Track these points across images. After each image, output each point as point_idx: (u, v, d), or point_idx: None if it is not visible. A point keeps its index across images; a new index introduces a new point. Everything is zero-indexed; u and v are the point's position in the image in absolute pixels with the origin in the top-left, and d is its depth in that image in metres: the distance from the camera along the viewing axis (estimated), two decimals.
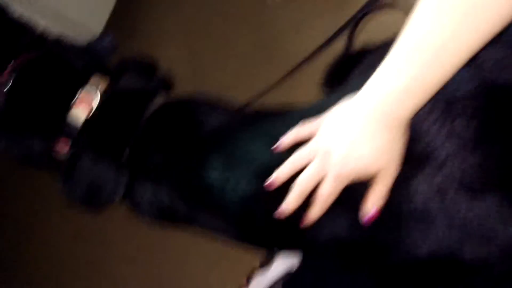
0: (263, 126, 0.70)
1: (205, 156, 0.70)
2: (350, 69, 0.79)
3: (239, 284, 1.01)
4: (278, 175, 0.60)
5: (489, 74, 0.56)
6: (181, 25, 1.67)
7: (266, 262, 0.98)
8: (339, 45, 0.94)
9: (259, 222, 0.69)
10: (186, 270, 1.29)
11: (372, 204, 0.56)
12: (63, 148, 0.77)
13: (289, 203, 0.59)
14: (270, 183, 0.60)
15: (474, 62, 0.58)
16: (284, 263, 0.95)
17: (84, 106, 0.77)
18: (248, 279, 0.99)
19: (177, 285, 1.29)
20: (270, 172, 0.63)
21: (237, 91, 1.05)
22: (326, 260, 0.77)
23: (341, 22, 0.95)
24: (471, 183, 0.54)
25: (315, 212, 0.58)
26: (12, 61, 0.77)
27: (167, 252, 1.34)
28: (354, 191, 0.59)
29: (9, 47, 0.79)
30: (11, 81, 0.75)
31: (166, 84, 0.91)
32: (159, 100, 0.82)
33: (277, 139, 0.65)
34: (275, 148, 0.62)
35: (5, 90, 0.76)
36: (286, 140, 0.62)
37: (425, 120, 0.57)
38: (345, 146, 0.54)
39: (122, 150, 0.77)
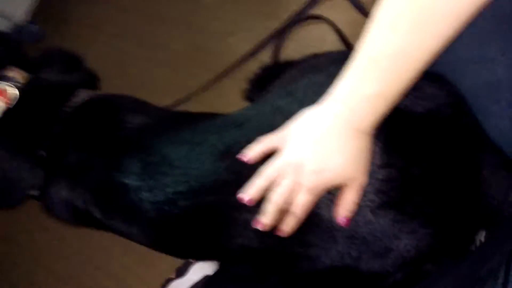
0: (185, 134, 0.71)
1: (121, 159, 0.70)
2: (271, 80, 0.81)
3: None
4: (255, 190, 0.58)
5: None
6: (111, 22, 1.64)
7: (181, 270, 0.99)
8: (264, 54, 0.97)
9: (176, 229, 0.69)
10: (103, 275, 1.27)
11: (345, 211, 0.57)
12: None
13: (268, 218, 0.58)
14: (248, 199, 0.59)
15: None
16: (200, 270, 0.96)
17: (0, 99, 0.74)
18: (165, 286, 0.99)
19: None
20: (199, 180, 0.64)
21: (166, 93, 1.05)
22: (240, 267, 0.79)
23: (275, 26, 0.97)
24: (371, 201, 0.58)
25: (291, 223, 0.58)
26: None
27: (84, 255, 1.32)
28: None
29: None
30: None
31: (91, 80, 0.90)
32: (82, 96, 0.80)
33: (200, 146, 0.66)
34: (245, 161, 0.61)
35: None
36: (254, 152, 0.61)
37: None
38: (318, 158, 0.54)
39: (38, 147, 0.75)
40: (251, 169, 0.61)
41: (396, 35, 0.49)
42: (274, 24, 0.99)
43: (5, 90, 0.74)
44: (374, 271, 0.61)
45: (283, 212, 0.58)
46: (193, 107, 0.90)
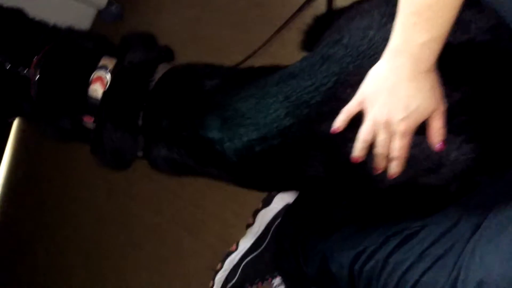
0: (251, 89, 0.80)
1: (204, 118, 0.81)
2: (324, 30, 0.85)
3: (246, 222, 1.17)
4: (359, 153, 0.68)
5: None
6: None
7: (267, 201, 1.13)
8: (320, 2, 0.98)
9: (255, 168, 0.81)
10: (203, 213, 1.42)
11: (437, 138, 0.64)
12: (88, 121, 0.89)
13: (378, 167, 0.68)
14: (355, 159, 0.68)
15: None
16: (282, 200, 1.10)
17: (99, 83, 0.87)
18: (254, 216, 1.15)
19: (197, 225, 1.44)
20: (266, 127, 0.75)
21: (235, 51, 1.11)
22: (315, 195, 0.92)
23: None
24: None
25: (397, 167, 0.67)
26: (35, 56, 0.88)
27: (185, 199, 1.48)
28: (331, 138, 0.71)
29: (31, 44, 0.90)
30: (38, 73, 0.87)
31: (167, 54, 0.99)
32: (162, 69, 0.90)
33: (264, 99, 0.76)
34: (335, 130, 0.68)
35: (35, 79, 0.87)
36: (340, 121, 0.68)
37: None
38: (400, 107, 0.62)
39: (135, 118, 0.87)
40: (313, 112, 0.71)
41: None
42: None
43: (101, 77, 0.87)
44: (431, 184, 0.69)
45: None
46: (260, 60, 0.96)
